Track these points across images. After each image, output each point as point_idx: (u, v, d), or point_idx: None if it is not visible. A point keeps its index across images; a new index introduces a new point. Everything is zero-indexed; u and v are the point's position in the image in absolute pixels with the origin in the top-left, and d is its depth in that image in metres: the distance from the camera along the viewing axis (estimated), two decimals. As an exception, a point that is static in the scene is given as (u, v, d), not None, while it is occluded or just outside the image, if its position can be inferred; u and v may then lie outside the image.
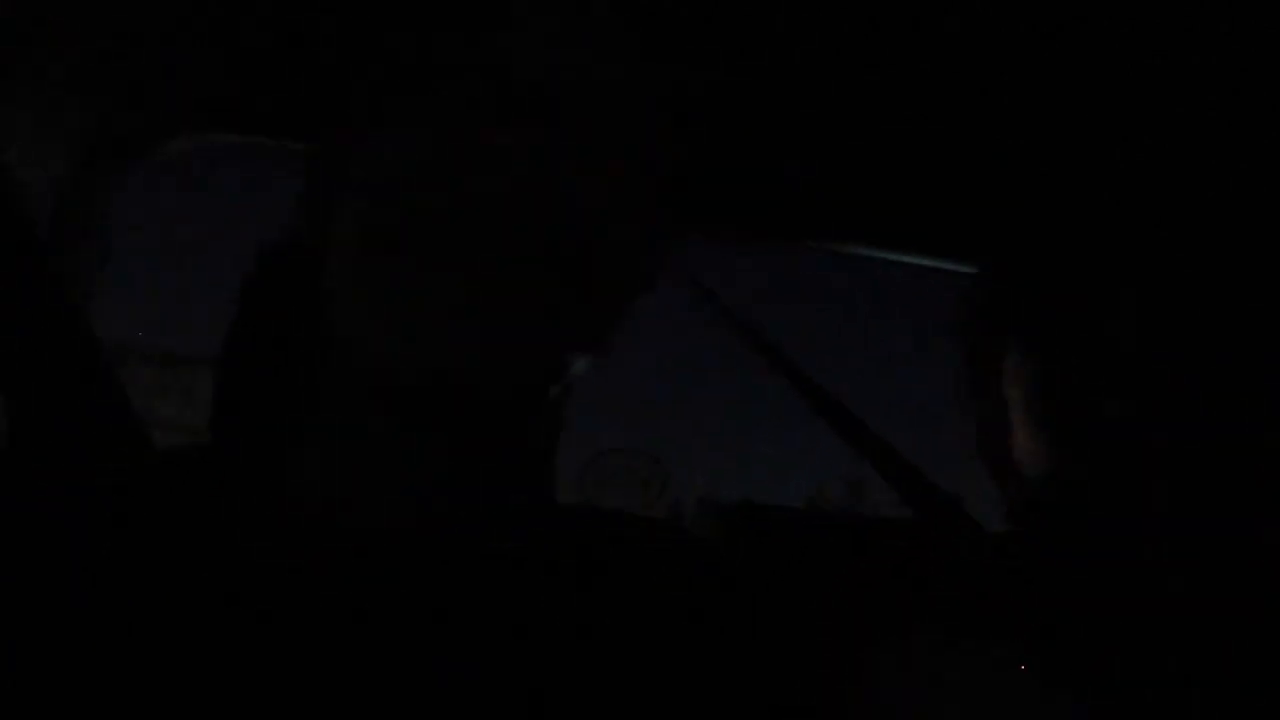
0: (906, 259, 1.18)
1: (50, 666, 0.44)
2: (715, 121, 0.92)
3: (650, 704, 0.49)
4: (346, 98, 0.54)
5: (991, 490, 0.77)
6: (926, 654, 0.65)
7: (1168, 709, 0.63)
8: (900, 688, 0.63)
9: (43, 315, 0.68)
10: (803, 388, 0.82)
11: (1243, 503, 0.63)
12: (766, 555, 0.90)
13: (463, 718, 0.46)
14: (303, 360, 0.54)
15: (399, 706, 0.46)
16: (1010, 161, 0.95)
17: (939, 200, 1.02)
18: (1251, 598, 0.63)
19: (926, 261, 1.16)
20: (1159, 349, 0.65)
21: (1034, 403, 0.70)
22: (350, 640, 0.48)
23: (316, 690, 0.46)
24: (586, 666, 0.50)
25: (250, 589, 0.48)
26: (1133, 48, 0.79)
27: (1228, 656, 0.66)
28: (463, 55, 0.51)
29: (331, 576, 0.49)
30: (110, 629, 0.45)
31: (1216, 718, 0.63)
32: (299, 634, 0.47)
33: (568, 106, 0.49)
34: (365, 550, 0.51)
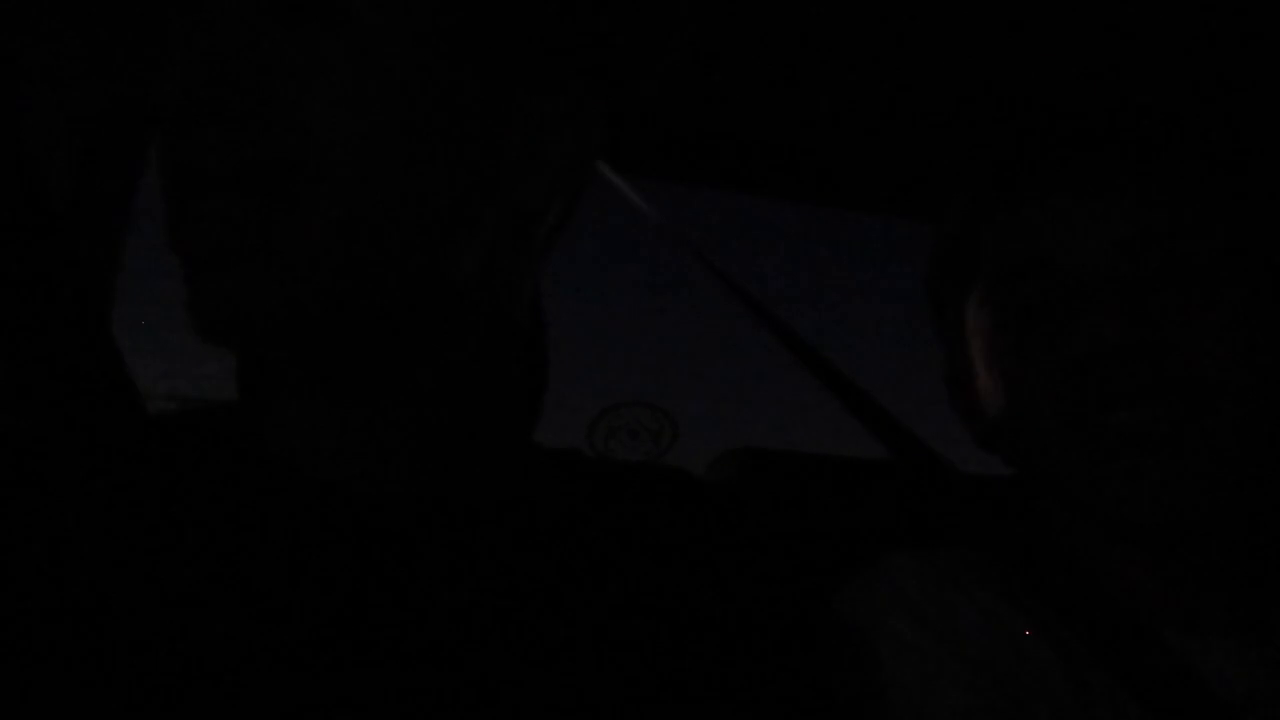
0: (891, 213, 1.19)
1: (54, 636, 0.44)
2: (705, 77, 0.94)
3: (661, 649, 0.51)
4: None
5: (962, 432, 0.80)
6: (898, 576, 0.69)
7: (1125, 632, 0.66)
8: (875, 608, 0.66)
9: (50, 294, 0.69)
10: (787, 341, 0.84)
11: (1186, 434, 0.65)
12: (772, 498, 0.92)
13: (480, 669, 0.47)
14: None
15: (412, 661, 0.47)
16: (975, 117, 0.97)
17: (911, 156, 1.03)
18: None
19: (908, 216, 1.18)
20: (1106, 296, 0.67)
21: (990, 349, 0.73)
22: (368, 598, 0.48)
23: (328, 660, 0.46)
24: (601, 612, 0.51)
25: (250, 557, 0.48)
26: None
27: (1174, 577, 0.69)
28: None
29: (333, 543, 0.50)
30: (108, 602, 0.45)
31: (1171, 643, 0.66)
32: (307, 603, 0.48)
33: None
34: (369, 515, 0.51)
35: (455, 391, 0.54)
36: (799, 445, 1.06)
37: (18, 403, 0.69)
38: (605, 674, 0.49)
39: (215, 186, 0.46)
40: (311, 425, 0.53)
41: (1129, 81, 0.91)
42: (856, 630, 0.66)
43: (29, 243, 0.76)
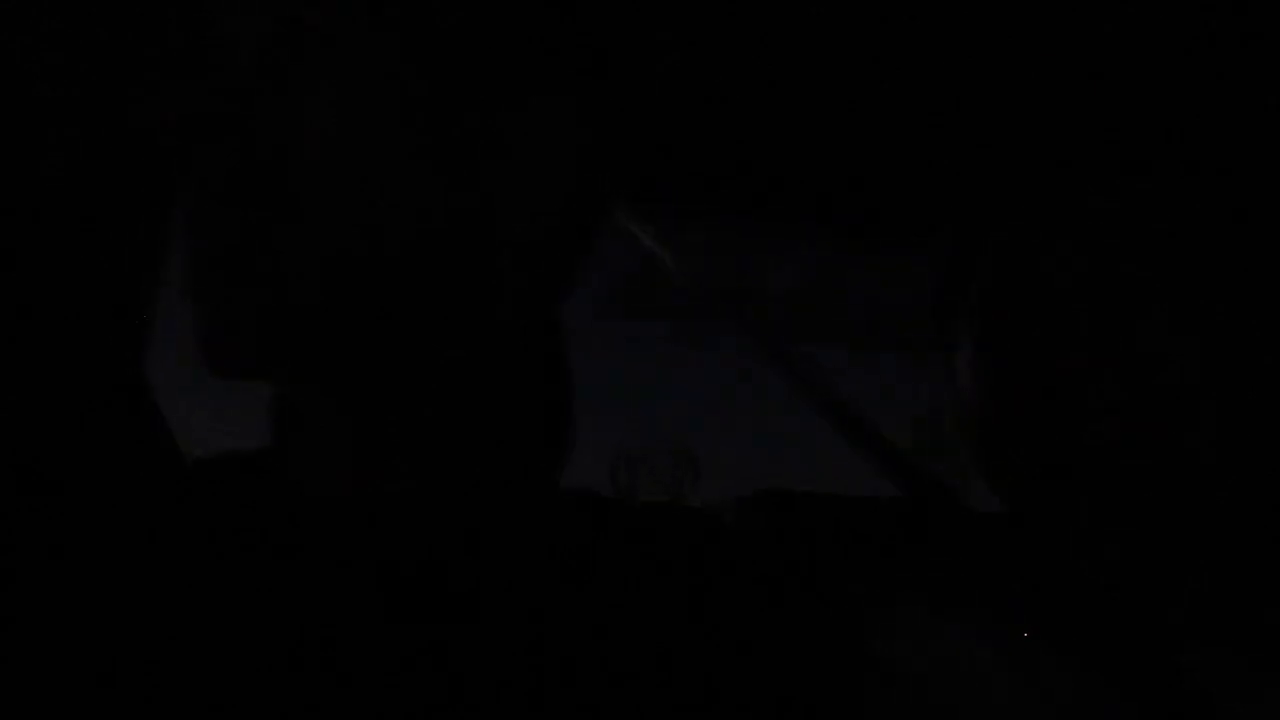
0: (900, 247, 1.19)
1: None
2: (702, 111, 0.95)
3: (680, 694, 0.50)
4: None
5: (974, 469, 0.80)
6: (914, 621, 0.67)
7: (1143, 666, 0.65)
8: (891, 655, 0.65)
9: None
10: (796, 380, 0.84)
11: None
12: (793, 541, 0.91)
13: (494, 711, 0.47)
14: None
15: (424, 700, 0.46)
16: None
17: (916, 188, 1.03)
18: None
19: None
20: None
21: (978, 376, 0.74)
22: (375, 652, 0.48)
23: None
24: (623, 657, 0.50)
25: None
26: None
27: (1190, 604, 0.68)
28: None
29: (348, 585, 0.50)
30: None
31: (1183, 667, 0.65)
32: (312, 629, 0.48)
33: None
34: (396, 569, 0.51)
35: (468, 414, 0.53)
36: (828, 487, 1.04)
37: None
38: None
39: (215, 198, 0.47)
40: (323, 446, 0.53)
41: (1105, 106, 0.92)
42: (886, 671, 0.65)
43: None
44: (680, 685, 0.50)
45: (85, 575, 0.49)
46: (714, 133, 0.99)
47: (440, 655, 0.48)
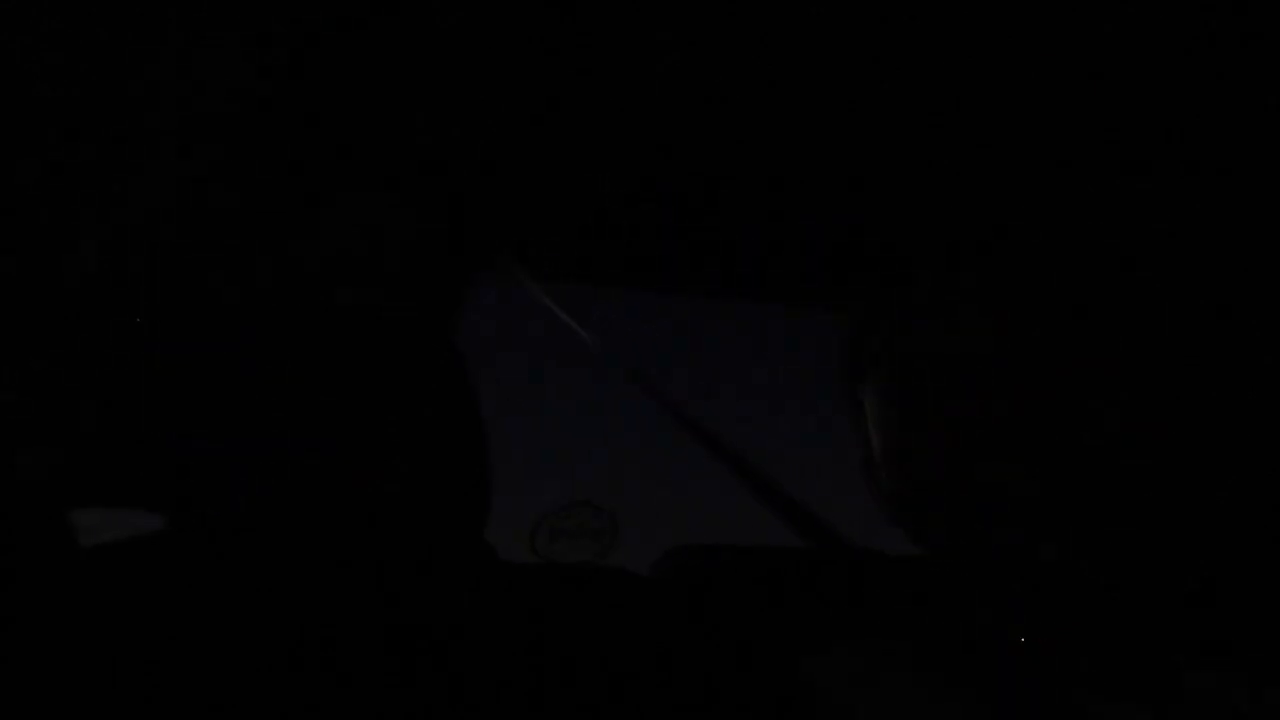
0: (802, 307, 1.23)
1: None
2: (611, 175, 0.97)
3: None
4: None
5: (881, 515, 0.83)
6: (846, 659, 0.70)
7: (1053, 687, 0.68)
8: (828, 690, 0.67)
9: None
10: (704, 440, 0.86)
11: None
12: (717, 593, 0.92)
13: None
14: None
15: None
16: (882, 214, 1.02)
17: (818, 252, 1.07)
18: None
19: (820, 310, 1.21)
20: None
21: (887, 432, 0.77)
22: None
23: None
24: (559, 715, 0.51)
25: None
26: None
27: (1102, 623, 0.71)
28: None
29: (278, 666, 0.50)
30: None
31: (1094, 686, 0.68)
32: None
33: None
34: (323, 630, 0.52)
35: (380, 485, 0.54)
36: (744, 538, 1.06)
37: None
38: None
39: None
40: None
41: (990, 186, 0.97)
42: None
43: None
44: None
45: None
46: (629, 209, 1.01)
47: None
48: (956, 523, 0.73)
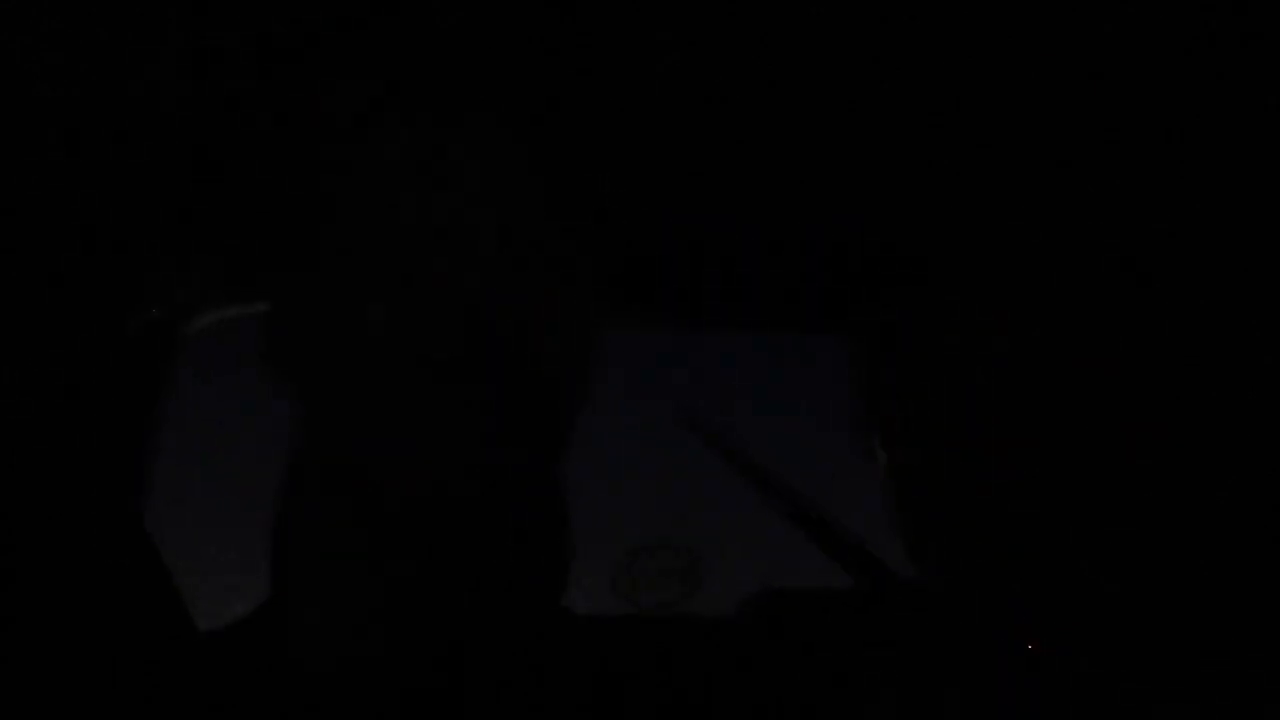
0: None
1: None
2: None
3: None
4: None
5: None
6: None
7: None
8: None
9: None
10: (750, 479, 0.87)
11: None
12: (791, 637, 0.92)
13: None
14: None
15: None
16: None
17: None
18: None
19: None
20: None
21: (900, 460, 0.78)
22: None
23: None
24: None
25: None
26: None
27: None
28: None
29: None
30: None
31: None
32: None
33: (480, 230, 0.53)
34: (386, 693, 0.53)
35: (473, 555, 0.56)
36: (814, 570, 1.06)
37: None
38: None
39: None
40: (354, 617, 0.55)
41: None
42: None
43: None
44: None
45: None
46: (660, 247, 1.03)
47: None
48: (971, 541, 0.73)
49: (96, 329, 0.88)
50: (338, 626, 0.54)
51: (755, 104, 0.83)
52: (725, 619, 0.95)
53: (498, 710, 0.53)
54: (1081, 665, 0.73)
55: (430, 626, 0.55)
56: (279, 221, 0.61)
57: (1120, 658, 0.72)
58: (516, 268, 0.54)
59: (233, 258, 0.96)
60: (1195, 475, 0.73)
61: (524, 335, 0.54)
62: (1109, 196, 0.88)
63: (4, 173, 0.80)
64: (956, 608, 0.79)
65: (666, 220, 0.97)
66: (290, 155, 0.77)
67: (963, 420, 0.74)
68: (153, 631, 0.60)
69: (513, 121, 0.58)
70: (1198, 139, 0.81)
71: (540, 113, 0.79)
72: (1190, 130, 0.81)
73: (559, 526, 0.65)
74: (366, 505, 0.53)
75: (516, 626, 0.57)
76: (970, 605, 0.79)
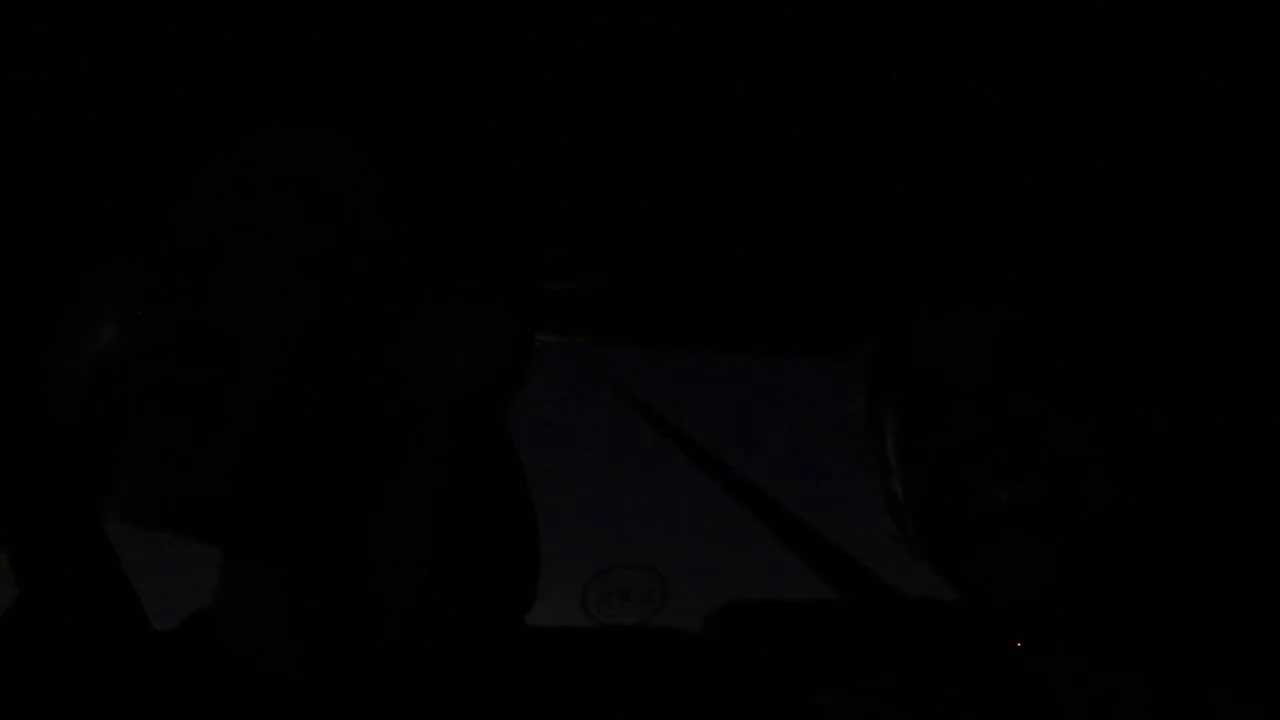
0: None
1: None
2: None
3: None
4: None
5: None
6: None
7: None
8: None
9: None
10: (731, 485, 0.87)
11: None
12: (768, 651, 0.92)
13: None
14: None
15: None
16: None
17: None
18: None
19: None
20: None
21: (897, 462, 0.78)
22: None
23: None
24: None
25: None
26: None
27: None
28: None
29: None
30: None
31: None
32: None
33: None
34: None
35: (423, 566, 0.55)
36: (791, 589, 1.06)
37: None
38: None
39: (161, 356, 0.50)
40: (267, 619, 0.54)
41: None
42: None
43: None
44: None
45: None
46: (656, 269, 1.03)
47: None
48: (952, 549, 0.74)
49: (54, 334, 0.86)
50: (293, 643, 0.53)
51: (757, 107, 0.83)
52: (692, 633, 0.94)
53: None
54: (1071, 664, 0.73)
55: (396, 640, 0.54)
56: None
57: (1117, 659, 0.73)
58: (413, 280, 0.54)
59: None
60: (1205, 475, 0.74)
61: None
62: (1106, 207, 0.89)
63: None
64: (941, 621, 0.80)
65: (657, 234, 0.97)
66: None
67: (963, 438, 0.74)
68: (117, 632, 0.58)
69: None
70: (1199, 146, 0.82)
71: (530, 115, 0.79)
72: (1191, 137, 0.82)
73: (526, 543, 0.64)
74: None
75: (482, 641, 0.56)
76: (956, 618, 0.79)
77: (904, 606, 0.83)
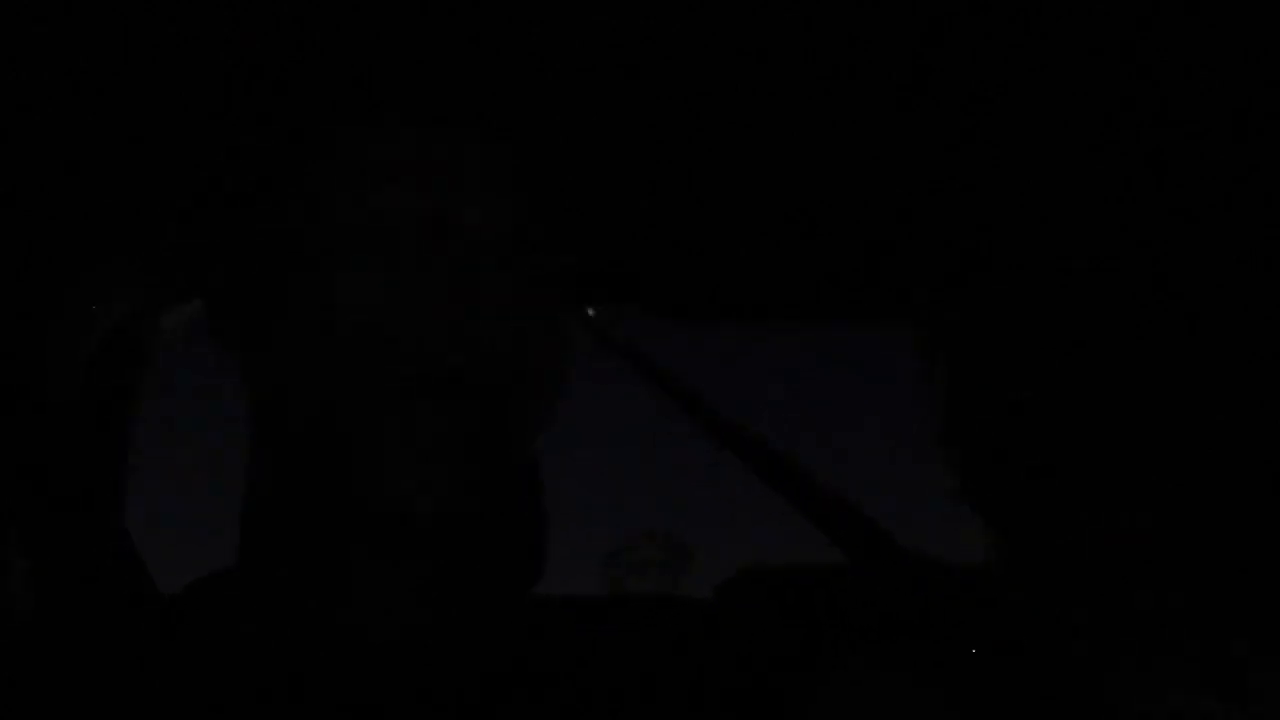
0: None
1: None
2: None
3: None
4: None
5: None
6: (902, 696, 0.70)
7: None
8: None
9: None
10: (750, 456, 0.87)
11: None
12: (786, 616, 0.92)
13: None
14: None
15: None
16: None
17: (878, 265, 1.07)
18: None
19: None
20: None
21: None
22: None
23: None
24: None
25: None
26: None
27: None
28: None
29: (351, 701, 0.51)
30: None
31: None
32: None
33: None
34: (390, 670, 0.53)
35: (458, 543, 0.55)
36: (810, 555, 1.06)
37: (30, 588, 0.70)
38: None
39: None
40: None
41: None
42: None
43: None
44: None
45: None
46: (686, 240, 1.03)
47: None
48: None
49: (62, 329, 0.87)
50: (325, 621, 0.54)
51: (757, 108, 0.82)
52: (713, 604, 0.95)
53: (483, 699, 0.52)
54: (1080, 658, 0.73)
55: (410, 619, 0.55)
56: (245, 219, 0.61)
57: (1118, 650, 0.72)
58: (500, 277, 0.53)
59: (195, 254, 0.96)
60: (1217, 475, 0.73)
61: (501, 346, 0.53)
62: (1106, 203, 0.88)
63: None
64: (964, 596, 0.79)
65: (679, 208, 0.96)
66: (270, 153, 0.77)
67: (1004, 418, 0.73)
68: (132, 630, 0.59)
69: (505, 125, 0.57)
70: (1198, 146, 0.81)
71: (541, 115, 0.79)
72: (1191, 137, 0.81)
73: (541, 516, 0.65)
74: (343, 507, 0.53)
75: (497, 616, 0.57)
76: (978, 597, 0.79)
77: (925, 574, 0.83)
